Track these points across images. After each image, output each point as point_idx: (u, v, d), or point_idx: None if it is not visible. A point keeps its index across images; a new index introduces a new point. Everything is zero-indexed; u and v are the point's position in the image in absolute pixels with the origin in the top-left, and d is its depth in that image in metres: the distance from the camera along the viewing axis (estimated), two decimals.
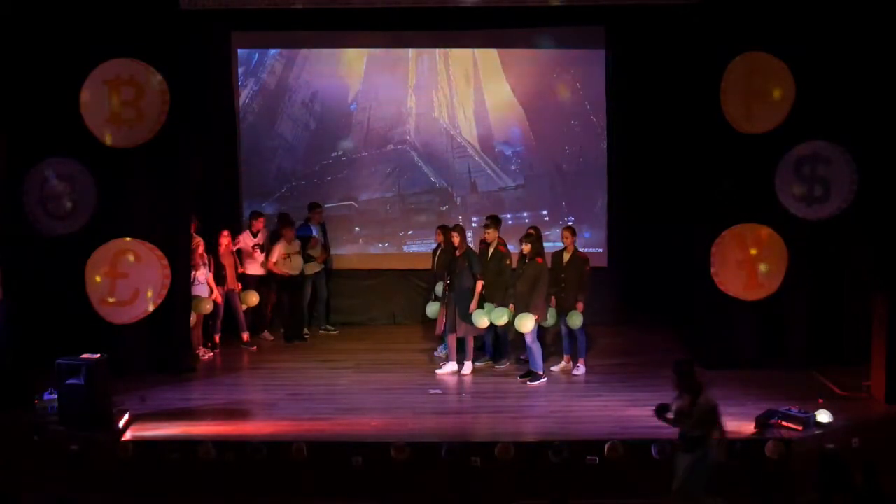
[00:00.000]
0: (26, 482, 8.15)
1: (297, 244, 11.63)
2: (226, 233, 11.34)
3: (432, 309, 10.94)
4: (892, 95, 9.97)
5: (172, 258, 10.28)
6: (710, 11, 10.16)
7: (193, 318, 10.81)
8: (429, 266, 11.37)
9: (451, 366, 10.46)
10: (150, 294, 10.17)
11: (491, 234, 10.51)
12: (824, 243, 10.24)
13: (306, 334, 11.94)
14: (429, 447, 8.25)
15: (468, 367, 10.38)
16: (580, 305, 10.21)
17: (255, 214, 11.97)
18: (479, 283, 10.20)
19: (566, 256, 10.31)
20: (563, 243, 10.41)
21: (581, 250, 10.52)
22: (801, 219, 10.23)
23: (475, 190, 12.74)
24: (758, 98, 10.02)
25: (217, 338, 11.42)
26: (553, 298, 10.24)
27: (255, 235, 11.79)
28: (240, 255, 11.58)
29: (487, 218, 10.81)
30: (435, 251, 11.19)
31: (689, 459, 7.25)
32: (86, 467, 8.37)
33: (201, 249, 10.88)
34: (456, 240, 10.31)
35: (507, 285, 10.28)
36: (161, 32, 10.19)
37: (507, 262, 10.44)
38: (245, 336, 11.59)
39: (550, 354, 10.51)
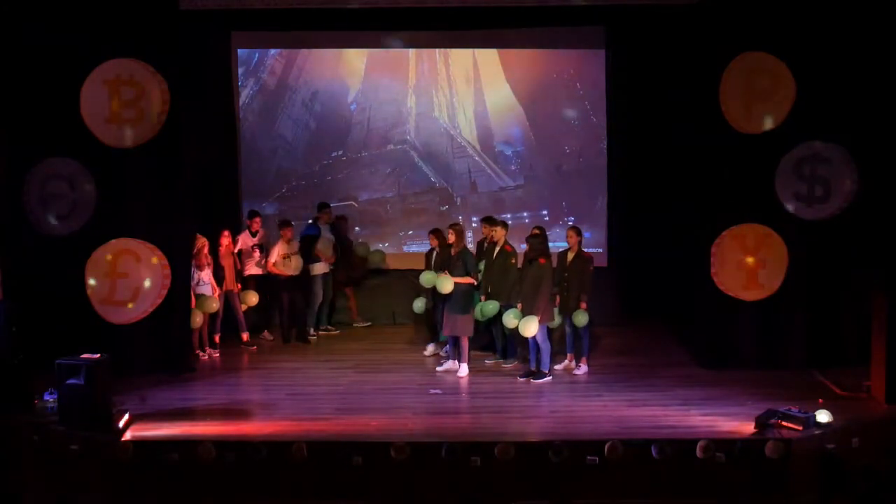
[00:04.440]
0: (26, 482, 8.15)
1: (295, 244, 11.61)
2: (226, 233, 11.35)
3: (419, 304, 11.13)
4: (892, 95, 9.96)
5: (172, 258, 10.28)
6: (709, 11, 10.16)
7: (199, 318, 10.82)
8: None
9: (451, 364, 10.48)
10: (149, 293, 10.17)
11: (498, 233, 10.53)
12: (824, 243, 10.23)
13: (312, 335, 11.91)
14: (429, 447, 8.25)
15: (464, 368, 10.37)
16: (583, 305, 10.23)
17: (253, 214, 11.98)
18: (468, 280, 10.23)
19: (570, 256, 10.32)
20: (568, 243, 10.41)
21: (585, 250, 10.53)
22: (801, 219, 10.23)
23: (475, 190, 12.75)
24: (758, 98, 10.02)
25: (217, 338, 11.41)
26: (557, 298, 10.25)
27: (253, 235, 11.80)
28: (239, 256, 11.59)
29: (485, 220, 10.93)
30: (428, 254, 11.16)
31: None
32: (86, 467, 8.36)
33: (206, 249, 10.89)
34: (452, 238, 10.32)
35: (512, 284, 10.30)
36: (161, 32, 10.19)
37: (513, 262, 10.45)
38: (245, 336, 11.59)
39: (555, 353, 10.48)
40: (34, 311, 10.14)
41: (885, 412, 8.95)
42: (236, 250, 11.52)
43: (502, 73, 12.58)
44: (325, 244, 11.83)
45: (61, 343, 9.40)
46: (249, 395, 9.94)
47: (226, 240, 11.31)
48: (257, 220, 11.88)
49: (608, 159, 12.49)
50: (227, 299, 11.36)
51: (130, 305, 10.15)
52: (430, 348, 11.16)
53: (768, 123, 10.04)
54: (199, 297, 10.82)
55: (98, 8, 10.06)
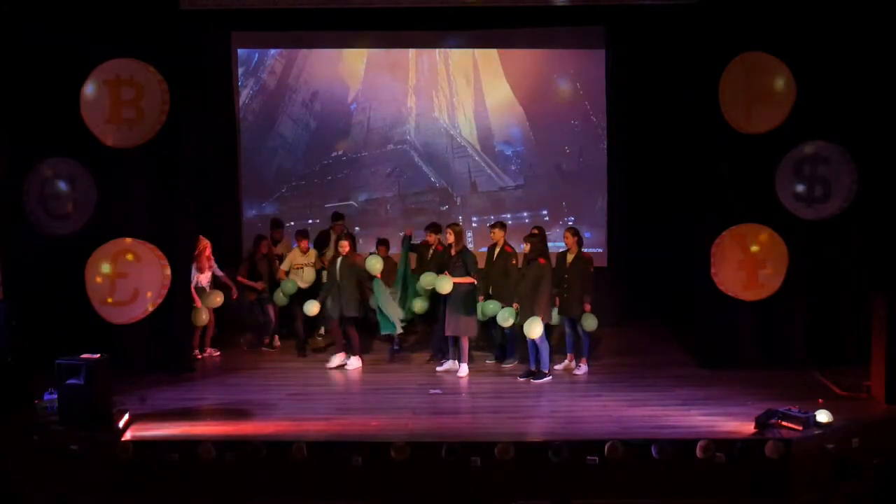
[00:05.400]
0: (26, 482, 8.15)
1: (311, 255, 11.39)
2: (266, 241, 11.35)
3: (309, 307, 10.70)
4: (892, 95, 9.97)
5: (172, 258, 10.28)
6: (709, 11, 10.16)
7: (206, 316, 10.82)
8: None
9: (451, 364, 10.48)
10: (149, 294, 10.17)
11: (497, 234, 10.52)
12: (824, 243, 10.24)
13: (320, 335, 11.82)
14: (429, 447, 8.25)
15: (464, 368, 10.37)
16: (588, 306, 10.22)
17: (276, 223, 11.86)
18: (469, 280, 10.21)
19: (569, 257, 10.31)
20: (565, 244, 10.41)
21: (585, 251, 10.50)
22: (801, 219, 10.23)
23: (475, 190, 12.75)
24: (758, 98, 10.02)
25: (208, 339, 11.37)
26: (556, 299, 10.25)
27: (275, 244, 11.66)
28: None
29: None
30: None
31: None
32: (86, 467, 8.37)
33: (209, 252, 10.87)
34: (451, 238, 10.32)
35: (513, 285, 10.29)
36: (161, 32, 10.19)
37: (514, 262, 10.44)
38: (274, 339, 11.51)
39: (554, 353, 10.48)
40: (34, 311, 10.18)
41: (885, 412, 8.96)
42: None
43: (502, 73, 12.58)
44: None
45: (61, 343, 9.39)
46: (249, 395, 9.91)
47: (264, 248, 11.26)
48: (279, 230, 11.78)
49: (608, 159, 12.50)
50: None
51: (110, 300, 10.12)
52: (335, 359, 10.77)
53: (768, 123, 10.02)
54: (200, 290, 10.79)
55: (98, 8, 10.06)
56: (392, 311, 10.57)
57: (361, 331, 11.03)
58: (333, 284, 10.59)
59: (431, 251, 10.78)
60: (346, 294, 10.52)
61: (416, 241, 11.32)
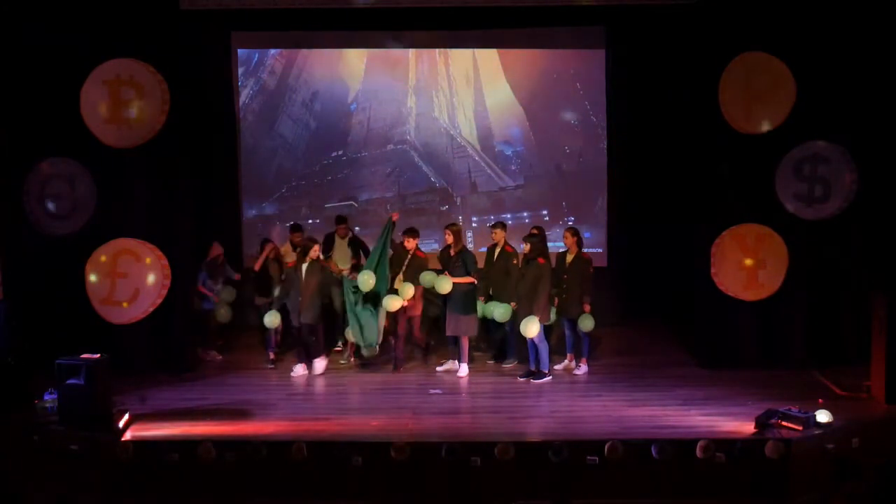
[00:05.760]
0: (26, 482, 8.15)
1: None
2: (272, 245, 11.19)
3: (270, 319, 10.57)
4: (893, 95, 9.97)
5: (172, 258, 10.27)
6: (709, 11, 10.17)
7: (227, 313, 10.89)
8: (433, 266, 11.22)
9: (451, 363, 10.50)
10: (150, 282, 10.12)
11: (497, 235, 10.51)
12: (824, 243, 10.24)
13: (338, 348, 11.29)
14: (429, 447, 8.25)
15: (464, 368, 10.38)
16: (587, 307, 10.22)
17: (296, 227, 11.64)
18: (468, 280, 10.21)
19: (569, 258, 10.31)
20: (565, 244, 10.41)
21: (585, 251, 10.49)
22: (801, 219, 10.23)
23: (475, 190, 12.75)
24: (757, 98, 10.02)
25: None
26: (556, 300, 10.24)
27: (294, 249, 11.56)
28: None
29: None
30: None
31: None
32: (86, 467, 8.37)
33: (222, 258, 10.86)
34: (450, 238, 10.31)
35: (513, 285, 10.28)
36: (161, 32, 10.20)
37: (515, 262, 10.43)
38: (272, 354, 11.12)
39: (554, 353, 10.48)
40: (34, 311, 10.18)
41: (885, 412, 8.97)
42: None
43: (502, 73, 12.58)
44: (340, 257, 11.39)
45: (61, 343, 9.39)
46: (249, 395, 9.92)
47: (270, 252, 11.13)
48: (298, 234, 11.68)
49: (608, 159, 12.49)
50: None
51: (126, 304, 10.12)
52: (299, 369, 10.49)
53: (768, 123, 10.04)
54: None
55: (98, 8, 10.07)
56: (368, 329, 10.33)
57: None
58: (292, 290, 10.30)
59: (409, 257, 10.50)
60: (306, 300, 10.25)
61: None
